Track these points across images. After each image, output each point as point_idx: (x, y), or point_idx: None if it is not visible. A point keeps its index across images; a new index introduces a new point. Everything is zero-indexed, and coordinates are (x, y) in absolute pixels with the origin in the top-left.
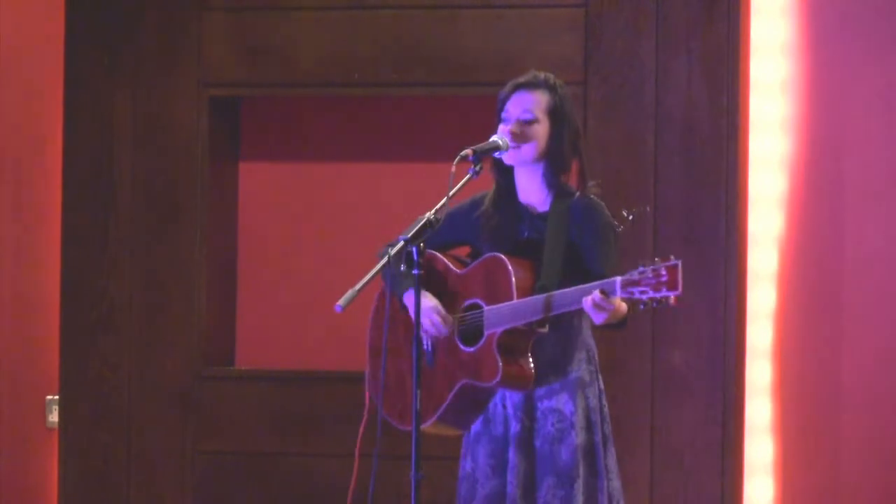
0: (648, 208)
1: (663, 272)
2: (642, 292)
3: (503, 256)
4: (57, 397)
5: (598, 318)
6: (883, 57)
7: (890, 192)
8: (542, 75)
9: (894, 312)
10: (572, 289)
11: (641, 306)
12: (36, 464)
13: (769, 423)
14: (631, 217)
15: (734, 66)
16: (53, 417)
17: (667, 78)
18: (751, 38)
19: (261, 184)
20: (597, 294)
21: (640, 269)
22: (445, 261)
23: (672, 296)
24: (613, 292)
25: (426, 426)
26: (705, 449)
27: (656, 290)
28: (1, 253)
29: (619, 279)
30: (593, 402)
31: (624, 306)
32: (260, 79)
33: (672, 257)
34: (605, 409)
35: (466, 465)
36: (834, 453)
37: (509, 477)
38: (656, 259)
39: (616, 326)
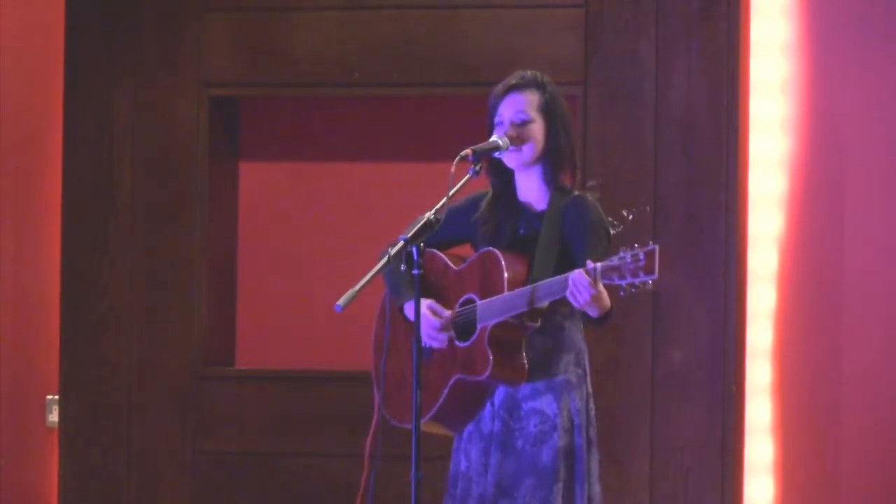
0: (648, 208)
1: (641, 257)
2: (621, 277)
3: (497, 251)
4: (57, 397)
5: (581, 301)
6: (883, 57)
7: (890, 192)
8: (529, 74)
9: (894, 312)
10: (555, 278)
11: (622, 293)
12: (36, 464)
13: (769, 423)
14: (631, 217)
15: (734, 66)
16: (53, 417)
17: (667, 78)
18: (751, 38)
19: (261, 184)
20: (581, 276)
21: (620, 254)
22: (445, 259)
23: (649, 280)
24: (594, 279)
25: (422, 422)
26: (705, 449)
27: (634, 275)
28: (1, 253)
29: (599, 265)
30: (578, 404)
31: (607, 297)
32: (260, 79)
33: (650, 242)
34: (592, 413)
35: (461, 464)
36: (834, 453)
37: (488, 476)
38: (635, 245)
39: (597, 322)
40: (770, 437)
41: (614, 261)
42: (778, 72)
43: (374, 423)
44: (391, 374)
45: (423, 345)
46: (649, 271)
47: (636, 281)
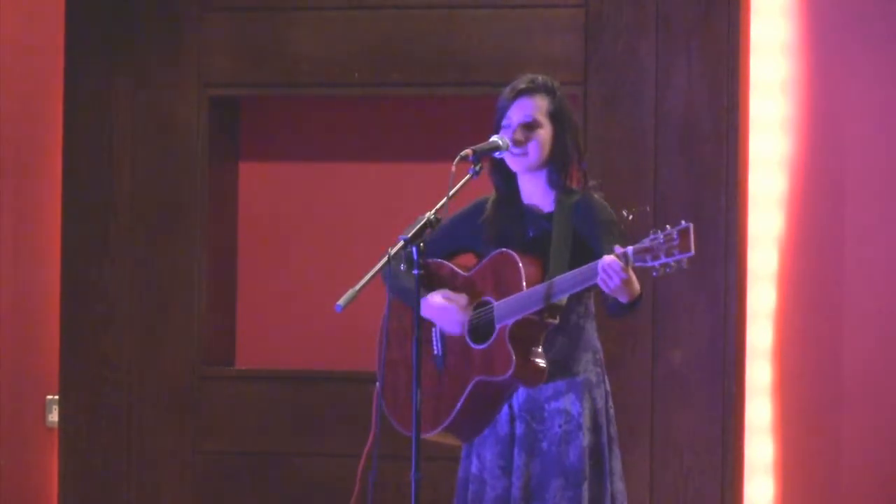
0: (648, 208)
1: (675, 236)
2: (654, 258)
3: (512, 252)
4: (57, 397)
5: (612, 285)
6: (883, 57)
7: (890, 192)
8: (539, 79)
9: (894, 312)
10: (581, 268)
11: (655, 273)
12: (36, 464)
13: (769, 423)
14: (631, 217)
15: (734, 66)
16: (53, 417)
17: (667, 78)
18: (751, 38)
19: (261, 184)
20: (612, 259)
21: (652, 236)
22: (451, 266)
23: (684, 258)
24: (626, 263)
25: (436, 432)
26: (705, 449)
27: (669, 254)
28: (1, 253)
29: (630, 248)
30: (600, 403)
31: (637, 282)
32: (260, 79)
33: (683, 221)
34: (612, 412)
35: (472, 467)
36: (834, 453)
37: (513, 478)
38: (667, 226)
39: (628, 308)
40: (770, 437)
41: (646, 242)
42: (778, 72)
43: (370, 440)
44: (402, 386)
45: (443, 332)
46: (685, 249)
47: (671, 260)
